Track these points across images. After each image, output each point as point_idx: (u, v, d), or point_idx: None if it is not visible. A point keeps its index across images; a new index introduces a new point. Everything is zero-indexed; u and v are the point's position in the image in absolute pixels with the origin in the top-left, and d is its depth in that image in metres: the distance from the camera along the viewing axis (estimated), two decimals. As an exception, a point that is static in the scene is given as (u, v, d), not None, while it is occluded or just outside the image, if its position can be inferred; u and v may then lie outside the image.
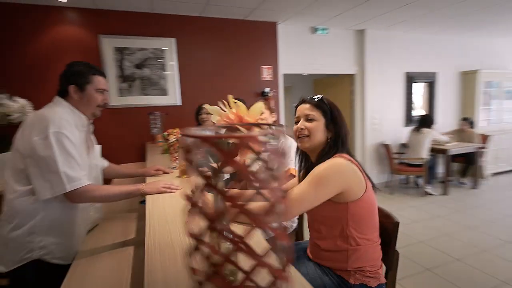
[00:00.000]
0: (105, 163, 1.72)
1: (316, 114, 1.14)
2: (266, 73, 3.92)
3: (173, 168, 1.88)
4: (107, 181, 1.77)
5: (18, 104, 2.51)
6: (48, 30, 2.96)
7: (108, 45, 3.20)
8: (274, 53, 3.94)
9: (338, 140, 1.13)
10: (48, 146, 1.16)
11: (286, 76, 4.11)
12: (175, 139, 1.85)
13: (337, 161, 1.05)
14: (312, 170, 1.06)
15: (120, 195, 1.31)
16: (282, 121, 4.12)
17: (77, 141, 1.27)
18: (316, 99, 1.18)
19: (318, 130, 1.13)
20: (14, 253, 1.19)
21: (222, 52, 3.68)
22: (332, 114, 1.15)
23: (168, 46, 3.43)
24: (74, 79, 1.32)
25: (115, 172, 1.76)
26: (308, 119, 1.15)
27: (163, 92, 3.48)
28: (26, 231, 1.20)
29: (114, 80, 3.26)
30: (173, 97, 3.51)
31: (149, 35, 3.34)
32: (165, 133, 1.86)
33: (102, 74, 1.40)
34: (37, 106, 2.79)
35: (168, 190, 1.36)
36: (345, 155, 1.09)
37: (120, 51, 3.26)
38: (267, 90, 3.89)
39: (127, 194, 1.31)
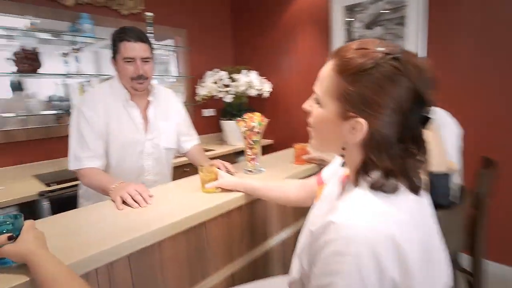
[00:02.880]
0: (186, 144, 1.48)
1: None
2: None
3: (247, 170, 1.33)
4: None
5: (247, 79, 2.87)
6: (284, 6, 3.01)
7: (338, 5, 2.70)
8: None
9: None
10: (71, 122, 1.23)
11: None
12: (245, 128, 1.23)
13: None
14: None
15: (98, 189, 1.15)
16: None
17: (101, 118, 1.21)
18: None
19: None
20: None
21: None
22: None
23: (413, -13, 2.28)
24: (112, 51, 1.23)
25: (190, 157, 1.50)
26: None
27: (398, 58, 2.45)
28: (80, 194, 1.40)
29: (342, 47, 2.75)
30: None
31: (388, -23, 2.39)
32: (245, 117, 1.26)
33: (133, 38, 1.15)
34: (272, 79, 3.05)
35: (119, 205, 0.96)
36: None
37: (350, 10, 2.65)
38: None
39: (103, 190, 1.11)
